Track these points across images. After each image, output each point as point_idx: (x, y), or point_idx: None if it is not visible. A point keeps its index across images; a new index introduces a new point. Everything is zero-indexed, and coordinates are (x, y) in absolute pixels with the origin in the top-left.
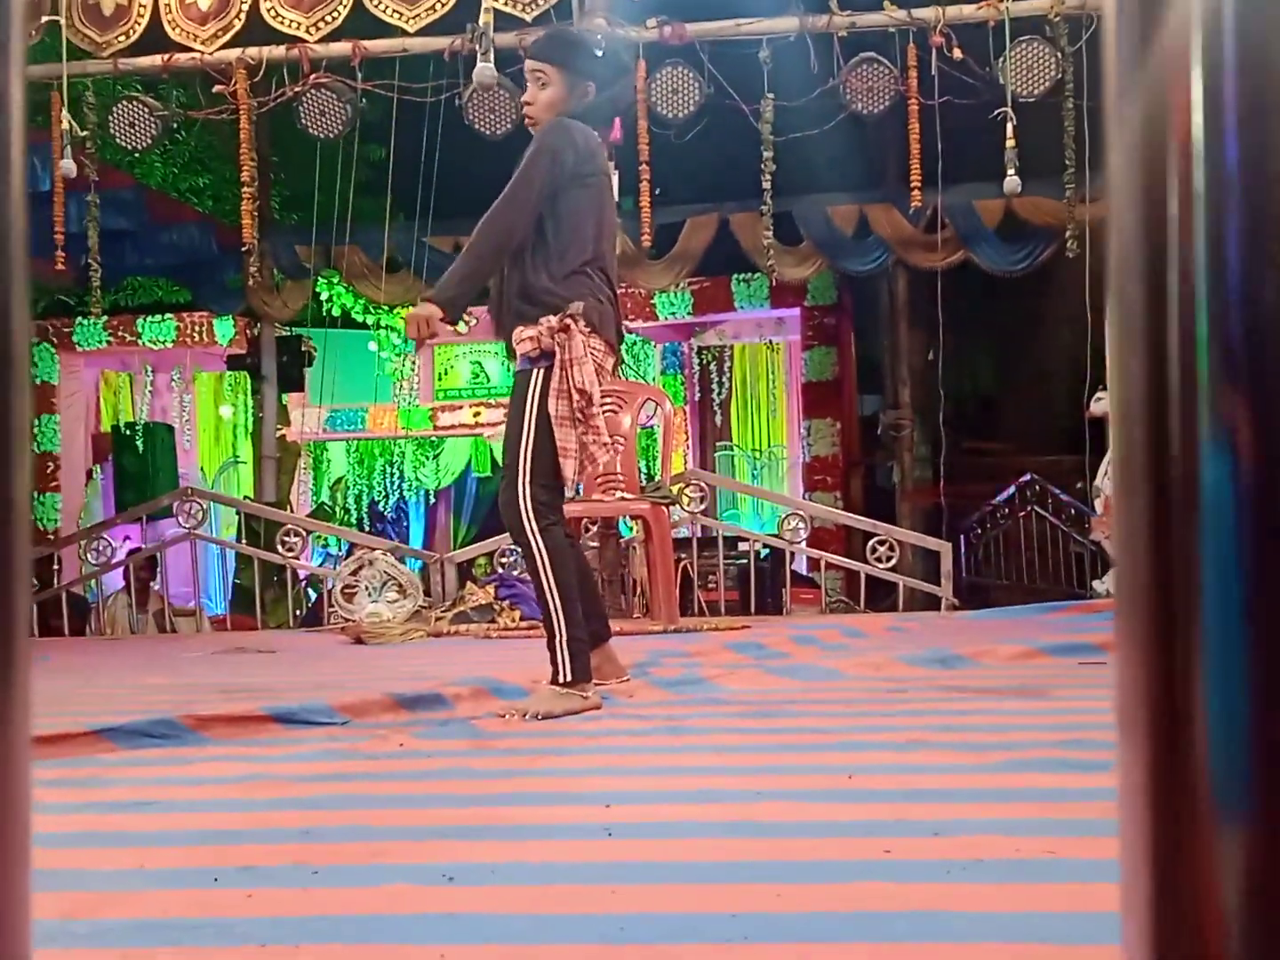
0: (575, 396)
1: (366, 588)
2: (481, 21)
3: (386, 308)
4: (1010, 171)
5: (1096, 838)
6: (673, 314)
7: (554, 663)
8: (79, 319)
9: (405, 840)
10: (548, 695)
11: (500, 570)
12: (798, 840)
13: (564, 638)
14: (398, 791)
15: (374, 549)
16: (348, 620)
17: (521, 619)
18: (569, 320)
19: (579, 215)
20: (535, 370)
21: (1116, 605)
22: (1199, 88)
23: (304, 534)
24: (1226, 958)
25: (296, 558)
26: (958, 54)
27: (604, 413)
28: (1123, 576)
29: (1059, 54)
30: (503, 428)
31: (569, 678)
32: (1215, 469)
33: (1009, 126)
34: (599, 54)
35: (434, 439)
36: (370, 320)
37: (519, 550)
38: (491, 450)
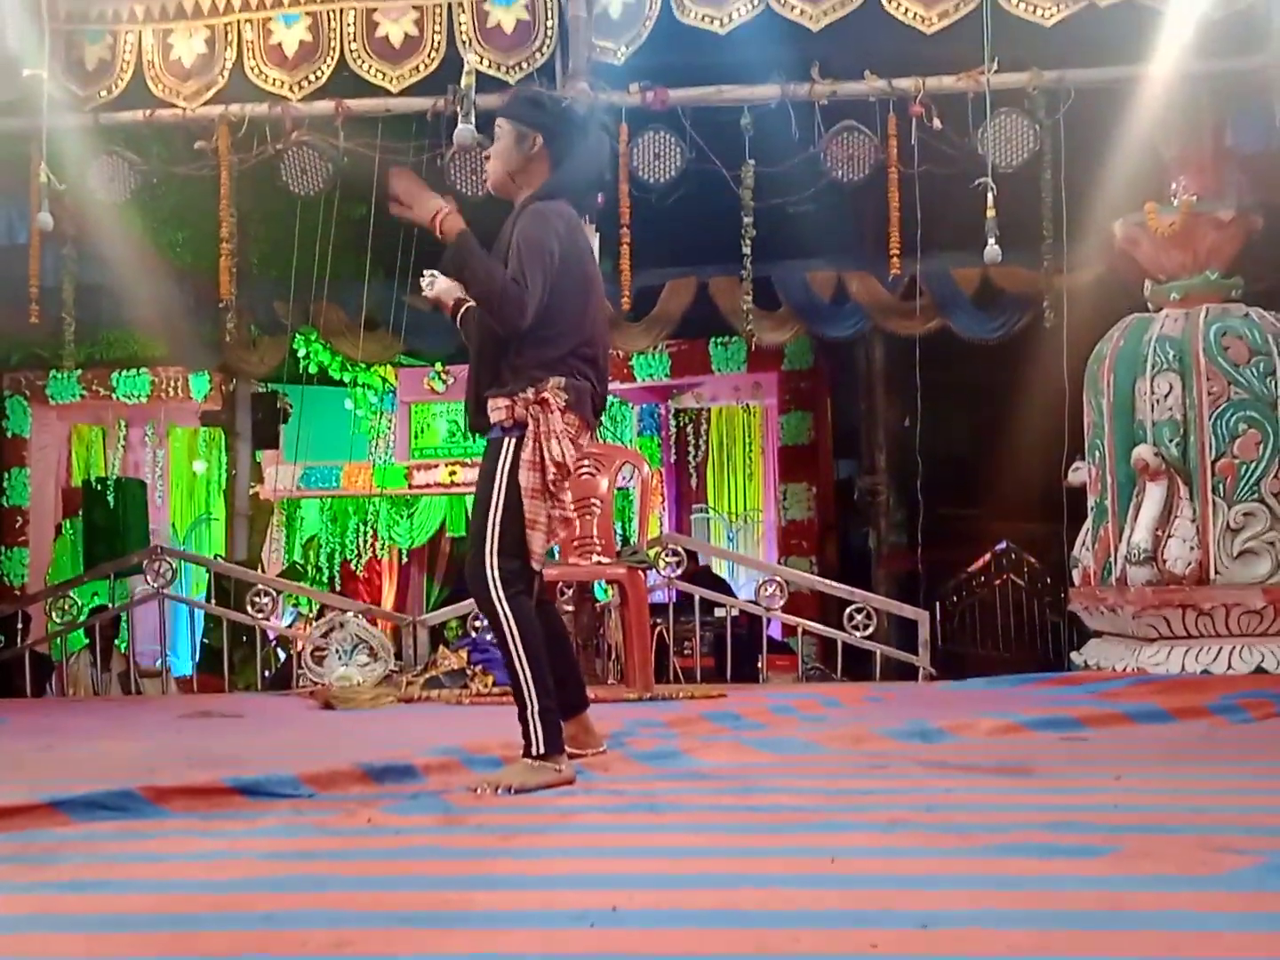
0: (551, 470)
1: (337, 650)
2: (463, 83)
3: (364, 365)
4: (991, 240)
5: (1092, 932)
6: (650, 375)
7: (525, 735)
8: (53, 372)
9: (371, 927)
10: (520, 768)
11: (473, 634)
12: (781, 931)
13: (535, 708)
14: (364, 873)
15: (345, 610)
16: (317, 683)
17: (494, 684)
18: (546, 395)
19: (566, 300)
20: (507, 440)
21: None
22: None
23: (274, 594)
24: None
25: (266, 618)
26: (937, 124)
27: (581, 477)
28: None
29: (1037, 126)
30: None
31: (541, 750)
32: None
33: (989, 196)
34: (562, 106)
35: (409, 497)
36: (347, 378)
37: (486, 620)
38: (467, 510)
